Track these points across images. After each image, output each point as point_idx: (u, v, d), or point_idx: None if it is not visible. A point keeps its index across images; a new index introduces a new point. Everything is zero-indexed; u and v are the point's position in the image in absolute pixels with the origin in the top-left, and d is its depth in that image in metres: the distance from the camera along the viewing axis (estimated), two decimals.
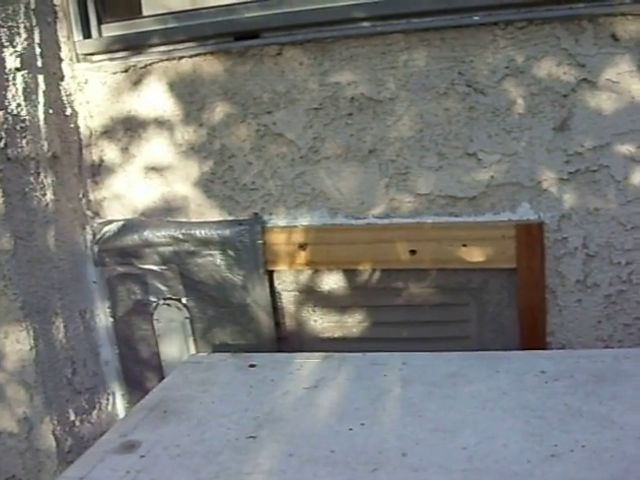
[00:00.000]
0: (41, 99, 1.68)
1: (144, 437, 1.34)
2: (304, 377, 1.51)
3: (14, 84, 1.60)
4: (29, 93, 1.64)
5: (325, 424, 1.33)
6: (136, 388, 1.86)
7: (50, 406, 1.68)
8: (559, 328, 1.67)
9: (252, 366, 1.58)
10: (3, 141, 1.55)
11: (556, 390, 1.37)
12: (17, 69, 1.60)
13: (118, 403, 1.92)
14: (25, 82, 1.63)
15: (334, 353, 1.61)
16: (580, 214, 1.61)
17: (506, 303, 1.68)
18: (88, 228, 1.83)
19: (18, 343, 1.64)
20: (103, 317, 1.86)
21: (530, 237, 1.61)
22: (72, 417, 1.76)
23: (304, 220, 1.73)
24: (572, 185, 1.60)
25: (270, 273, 1.75)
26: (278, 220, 1.74)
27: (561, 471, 1.11)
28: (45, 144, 1.70)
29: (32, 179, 1.66)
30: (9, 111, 1.58)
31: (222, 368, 1.60)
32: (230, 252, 1.72)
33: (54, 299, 1.71)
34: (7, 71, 1.58)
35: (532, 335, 1.66)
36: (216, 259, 1.72)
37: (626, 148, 1.54)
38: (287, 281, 1.77)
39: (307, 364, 1.57)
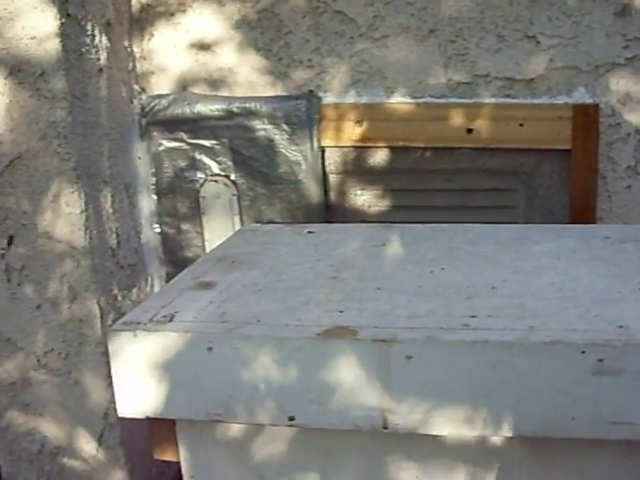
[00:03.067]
0: None
1: (218, 279, 1.32)
2: (369, 238, 1.50)
3: None
4: None
5: (404, 269, 1.33)
6: (176, 269, 1.83)
7: (96, 275, 1.65)
8: (607, 214, 1.70)
9: (311, 232, 1.57)
10: None
11: (626, 249, 1.39)
12: None
13: (156, 284, 1.89)
14: None
15: (394, 223, 1.61)
16: (635, 100, 1.64)
17: (557, 187, 1.70)
18: (136, 102, 1.80)
19: (68, 206, 1.60)
20: (146, 194, 1.83)
21: (586, 119, 1.64)
22: (115, 291, 1.73)
23: (361, 98, 1.73)
24: (629, 71, 1.63)
25: (323, 150, 1.74)
26: (334, 97, 1.73)
27: None
28: (101, 8, 1.66)
29: (88, 40, 1.62)
30: None
31: (280, 233, 1.59)
32: (285, 127, 1.70)
33: (104, 167, 1.68)
34: None
35: (582, 220, 1.68)
36: (270, 134, 1.71)
37: None
38: (340, 159, 1.76)
39: (368, 230, 1.57)
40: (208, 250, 1.79)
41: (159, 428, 1.22)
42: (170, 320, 1.15)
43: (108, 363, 1.68)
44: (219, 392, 1.11)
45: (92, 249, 1.64)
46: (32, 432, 1.81)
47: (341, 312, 1.15)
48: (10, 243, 1.67)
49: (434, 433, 1.05)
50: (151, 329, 1.13)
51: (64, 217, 1.62)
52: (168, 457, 1.24)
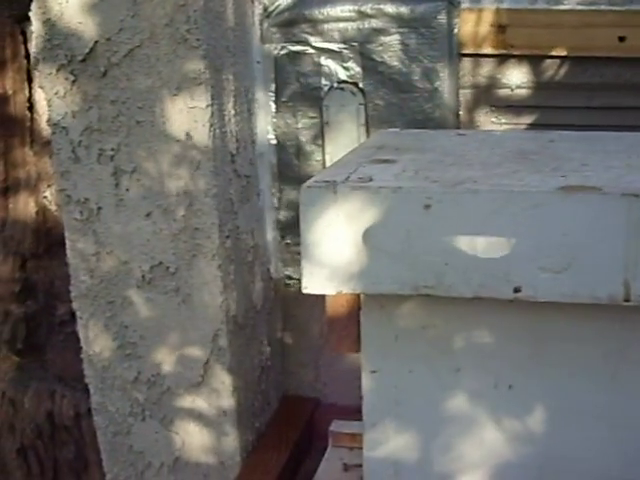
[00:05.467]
0: None
1: (395, 158, 1.18)
2: (532, 138, 1.37)
3: None
4: None
5: (591, 152, 1.20)
6: (291, 185, 1.69)
7: (216, 179, 1.51)
8: None
9: (461, 135, 1.44)
10: None
11: None
12: None
13: (267, 201, 1.75)
14: None
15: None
16: None
17: None
18: (256, 2, 1.66)
19: (192, 100, 1.47)
20: (263, 102, 1.69)
21: None
22: (233, 200, 1.59)
23: (502, 3, 1.60)
24: None
25: (460, 58, 1.62)
26: (475, 1, 1.60)
27: None
28: None
29: None
30: None
31: (427, 135, 1.45)
32: (422, 31, 1.57)
33: (227, 63, 1.54)
34: None
35: None
36: (405, 38, 1.58)
37: None
38: (477, 71, 1.63)
39: (525, 134, 1.45)
40: (329, 164, 1.65)
41: (341, 308, 1.08)
42: (370, 180, 1.01)
43: (224, 278, 1.55)
44: (433, 259, 0.97)
45: (215, 150, 1.50)
46: (128, 358, 1.66)
47: (564, 177, 1.01)
48: (121, 143, 1.52)
49: None
50: (355, 186, 0.98)
51: (187, 112, 1.48)
52: (344, 350, 1.10)
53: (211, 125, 1.48)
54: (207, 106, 1.47)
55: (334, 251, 0.99)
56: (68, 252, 1.63)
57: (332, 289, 1.00)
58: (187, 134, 1.48)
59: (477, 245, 0.95)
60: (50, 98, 1.54)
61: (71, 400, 1.96)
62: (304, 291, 1.02)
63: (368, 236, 0.98)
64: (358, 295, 1.06)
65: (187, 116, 1.47)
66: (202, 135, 1.48)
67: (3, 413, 2.00)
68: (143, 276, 1.59)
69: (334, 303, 1.08)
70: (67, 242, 1.62)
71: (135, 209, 1.55)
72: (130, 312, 1.62)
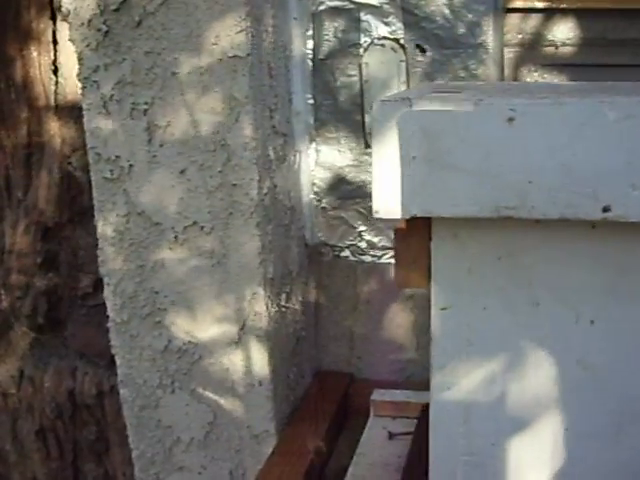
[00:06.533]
0: None
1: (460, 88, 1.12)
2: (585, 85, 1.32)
3: None
4: None
5: None
6: (328, 147, 1.63)
7: (256, 132, 1.44)
8: None
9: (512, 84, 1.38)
10: None
11: None
12: None
13: (303, 162, 1.68)
14: None
15: None
16: None
17: None
18: None
19: (232, 49, 1.41)
20: (299, 59, 1.63)
21: None
22: (271, 157, 1.52)
23: None
24: None
25: (505, 13, 1.56)
26: None
27: None
28: None
29: None
30: None
31: (472, 83, 1.40)
32: None
33: (267, 15, 1.49)
34: None
35: None
36: None
37: None
38: (522, 27, 1.58)
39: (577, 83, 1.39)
40: (367, 123, 1.60)
41: (410, 239, 1.01)
42: (448, 93, 0.95)
43: (262, 237, 1.47)
44: (515, 177, 0.91)
45: (254, 102, 1.43)
46: (158, 326, 1.58)
47: None
48: (155, 96, 1.46)
49: None
50: (433, 99, 0.92)
51: (225, 62, 1.41)
52: (413, 285, 1.03)
53: (251, 75, 1.41)
54: (247, 55, 1.40)
55: (408, 171, 0.92)
56: (96, 214, 1.56)
57: (405, 212, 0.94)
58: (225, 85, 1.42)
59: (564, 161, 0.89)
60: (81, 51, 1.48)
61: (93, 378, 1.88)
62: (375, 216, 0.95)
63: (445, 153, 0.91)
64: (429, 224, 0.99)
65: (226, 66, 1.41)
66: (241, 86, 1.42)
67: (22, 393, 1.91)
68: (176, 237, 1.52)
69: (402, 233, 1.01)
70: (95, 203, 1.55)
71: (169, 166, 1.49)
72: (161, 276, 1.55)
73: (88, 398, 1.88)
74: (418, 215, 0.94)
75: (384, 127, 0.92)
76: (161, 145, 1.48)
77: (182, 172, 1.48)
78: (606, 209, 0.89)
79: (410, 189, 0.92)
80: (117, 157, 1.51)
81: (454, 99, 0.93)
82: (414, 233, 1.00)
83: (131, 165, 1.50)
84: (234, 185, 1.46)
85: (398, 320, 1.74)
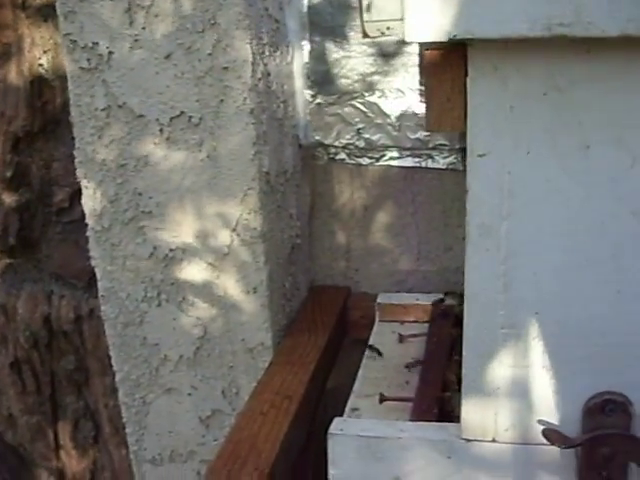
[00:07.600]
0: None
1: None
2: None
3: None
4: None
5: None
6: (322, 37, 1.50)
7: (248, 9, 1.31)
8: None
9: None
10: None
11: None
12: None
13: (296, 54, 1.55)
14: None
15: None
16: None
17: None
18: None
19: None
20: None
21: None
22: (264, 38, 1.39)
23: None
24: None
25: None
26: None
27: None
28: None
29: None
30: None
31: None
32: None
33: None
34: None
35: None
36: None
37: None
38: None
39: None
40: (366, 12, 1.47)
41: (444, 74, 0.89)
42: None
43: (256, 126, 1.34)
44: None
45: None
46: (142, 232, 1.46)
47: None
48: None
49: None
50: None
51: None
52: (447, 127, 0.91)
53: None
54: None
55: None
56: (72, 110, 1.41)
57: (441, 33, 0.81)
58: None
59: None
60: None
61: (70, 301, 1.73)
62: (406, 39, 0.82)
63: None
64: (465, 55, 0.87)
65: None
66: None
67: None
68: (161, 130, 1.38)
69: (434, 67, 0.89)
70: (71, 97, 1.41)
71: (153, 51, 1.35)
72: (145, 175, 1.42)
73: (65, 324, 1.73)
74: (458, 37, 0.82)
75: None
76: (143, 28, 1.34)
77: (167, 57, 1.35)
78: None
79: (447, 3, 0.80)
80: (95, 44, 1.37)
81: None
82: (448, 68, 0.88)
83: (110, 52, 1.36)
84: (225, 68, 1.33)
85: (397, 229, 1.63)
